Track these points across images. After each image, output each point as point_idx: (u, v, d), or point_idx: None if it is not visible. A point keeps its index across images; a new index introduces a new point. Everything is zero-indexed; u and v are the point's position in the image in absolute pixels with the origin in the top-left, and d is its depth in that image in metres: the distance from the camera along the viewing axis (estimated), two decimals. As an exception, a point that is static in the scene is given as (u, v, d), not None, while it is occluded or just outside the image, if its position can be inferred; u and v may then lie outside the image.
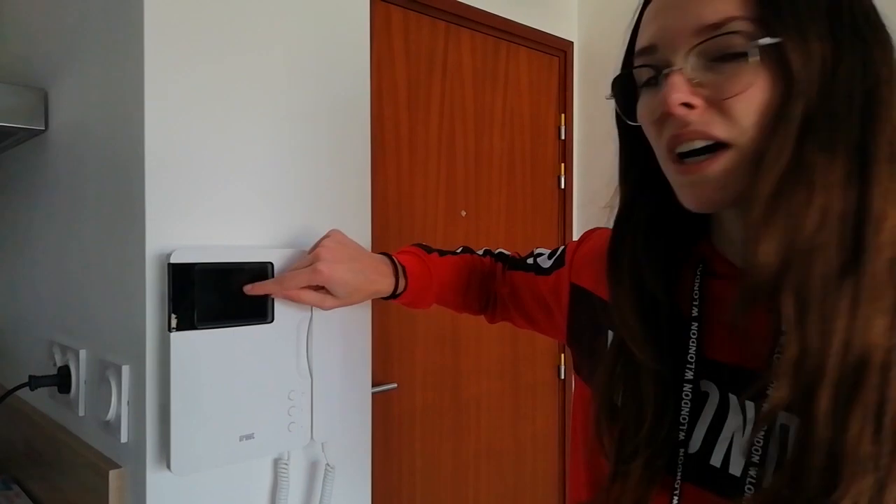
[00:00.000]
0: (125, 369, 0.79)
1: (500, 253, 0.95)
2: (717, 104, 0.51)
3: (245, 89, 0.83)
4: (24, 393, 1.01)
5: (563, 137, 2.21)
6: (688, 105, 0.51)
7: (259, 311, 0.80)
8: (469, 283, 0.92)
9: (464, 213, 1.93)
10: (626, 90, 0.59)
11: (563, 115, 2.21)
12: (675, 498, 0.56)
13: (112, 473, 0.79)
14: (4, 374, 1.23)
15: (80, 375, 0.90)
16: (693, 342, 0.59)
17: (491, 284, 0.93)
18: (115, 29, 0.82)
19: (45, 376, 0.93)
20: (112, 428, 0.80)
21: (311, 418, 0.85)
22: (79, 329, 0.94)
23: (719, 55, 0.50)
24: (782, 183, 0.48)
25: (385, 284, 0.83)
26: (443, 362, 1.84)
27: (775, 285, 0.48)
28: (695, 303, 0.60)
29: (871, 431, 0.45)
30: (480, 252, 0.96)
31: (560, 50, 2.19)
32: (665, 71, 0.53)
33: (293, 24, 0.88)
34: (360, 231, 0.95)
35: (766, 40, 0.48)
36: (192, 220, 0.78)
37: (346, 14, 0.95)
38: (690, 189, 0.54)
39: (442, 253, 0.92)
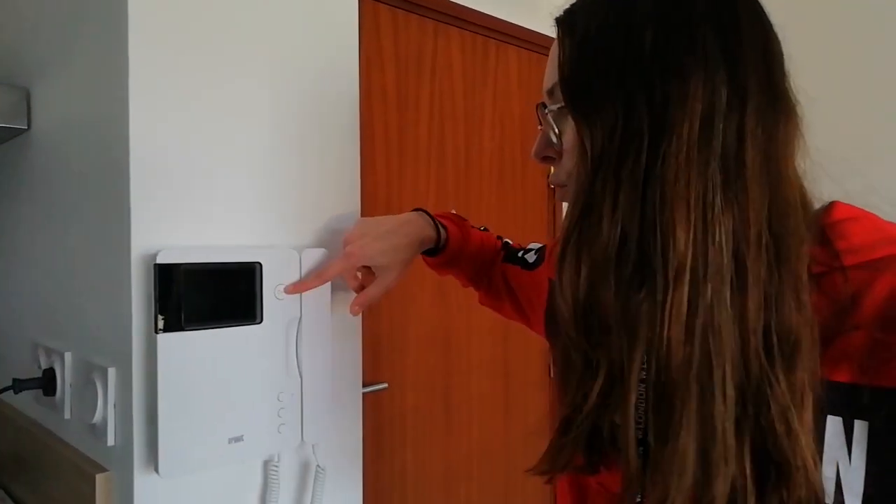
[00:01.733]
0: (111, 371, 0.78)
1: (506, 242, 0.97)
2: (561, 154, 0.60)
3: (232, 89, 0.82)
4: (9, 396, 1.00)
5: (552, 137, 2.20)
6: (546, 158, 0.62)
7: (248, 312, 0.79)
8: (484, 259, 0.94)
9: (454, 213, 1.92)
10: None
11: (552, 115, 2.20)
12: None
13: (99, 477, 0.78)
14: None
15: (66, 378, 0.89)
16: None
17: (491, 267, 0.95)
18: (99, 28, 0.81)
19: (30, 379, 0.91)
20: (98, 431, 0.79)
21: (302, 420, 0.84)
22: (64, 331, 0.93)
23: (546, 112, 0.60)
24: (580, 213, 0.54)
25: (427, 229, 0.85)
26: (434, 362, 1.83)
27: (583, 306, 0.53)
28: None
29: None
30: (496, 236, 0.98)
31: (548, 48, 2.19)
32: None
33: (281, 23, 0.87)
34: (349, 230, 0.94)
35: (556, 106, 0.58)
36: (179, 220, 0.77)
37: (336, 13, 0.94)
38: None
39: (472, 226, 0.95)
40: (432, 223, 0.86)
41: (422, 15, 1.82)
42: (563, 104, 0.56)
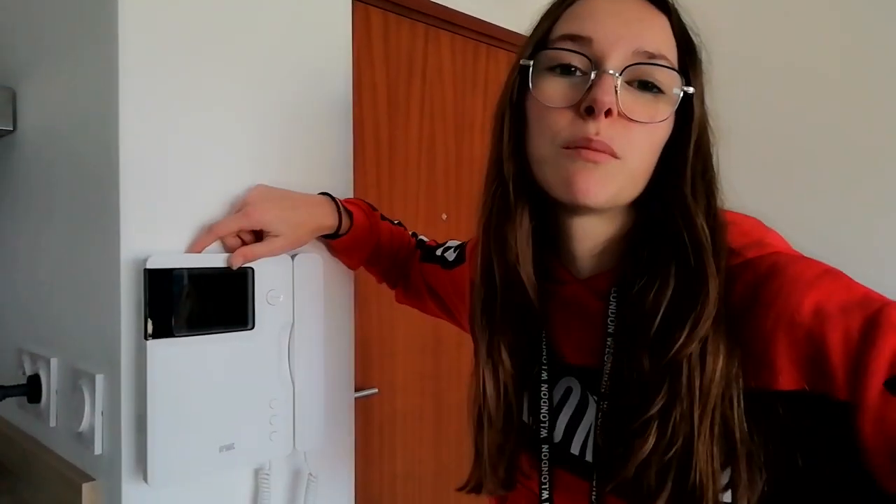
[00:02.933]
0: (99, 378, 0.76)
1: (420, 240, 0.97)
2: (626, 122, 0.55)
3: (223, 91, 0.81)
4: (-7, 403, 0.98)
5: (542, 141, 2.20)
6: (608, 112, 0.54)
7: (239, 318, 0.78)
8: (398, 255, 0.94)
9: (444, 217, 1.91)
10: (525, 70, 0.61)
11: (542, 119, 2.20)
12: (545, 483, 0.63)
13: (85, 486, 0.76)
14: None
15: (52, 385, 0.87)
16: (544, 346, 0.65)
17: (407, 264, 0.94)
18: (88, 28, 0.79)
19: (14, 386, 0.89)
20: (85, 439, 0.78)
21: (294, 427, 0.83)
22: (50, 337, 0.91)
23: (643, 82, 0.55)
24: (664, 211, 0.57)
25: (329, 218, 0.84)
26: (423, 367, 1.82)
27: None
28: (544, 308, 0.65)
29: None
30: (410, 233, 0.98)
31: (539, 53, 2.19)
32: (601, 70, 0.55)
33: (274, 24, 0.86)
34: (342, 235, 0.93)
35: (688, 89, 0.56)
36: (169, 224, 0.76)
37: (328, 15, 0.93)
38: (580, 174, 0.56)
39: (383, 217, 0.94)
40: (336, 210, 0.85)
41: (413, 19, 1.81)
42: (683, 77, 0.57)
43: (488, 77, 2.04)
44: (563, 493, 0.63)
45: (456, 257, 0.86)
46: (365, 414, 1.64)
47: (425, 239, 0.97)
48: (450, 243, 0.91)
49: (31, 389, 0.89)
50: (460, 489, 0.69)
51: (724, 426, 0.53)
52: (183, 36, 0.77)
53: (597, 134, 0.54)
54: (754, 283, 0.54)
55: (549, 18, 0.62)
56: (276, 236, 0.78)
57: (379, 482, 1.69)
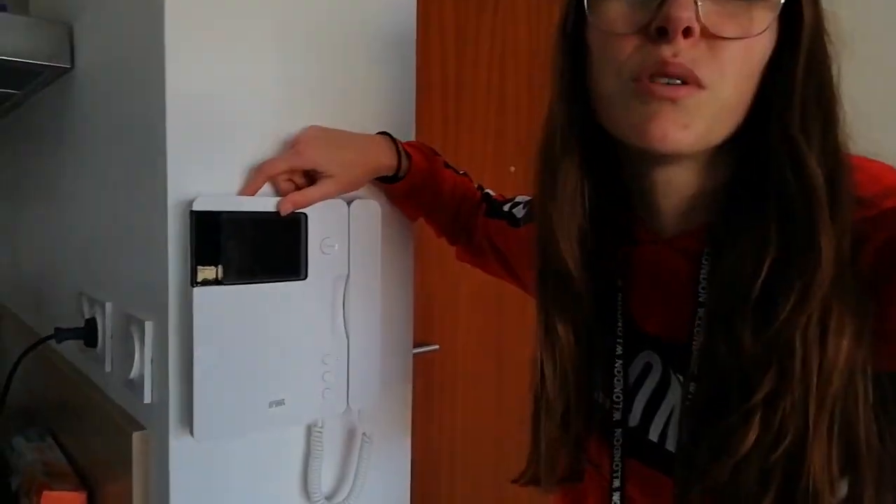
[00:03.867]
0: (148, 325, 0.73)
1: (487, 193, 0.88)
2: (712, 41, 0.45)
3: (277, 25, 0.74)
4: (57, 344, 0.98)
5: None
6: (687, 31, 0.44)
7: (291, 267, 0.73)
8: (460, 208, 0.86)
9: (513, 169, 1.81)
10: None
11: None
12: (617, 471, 0.56)
13: (135, 436, 0.74)
14: (40, 324, 1.20)
15: (107, 329, 0.85)
16: (620, 316, 0.56)
17: (471, 219, 0.86)
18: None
19: (71, 329, 0.88)
20: (136, 387, 0.75)
21: (348, 384, 0.78)
22: (106, 280, 0.89)
23: None
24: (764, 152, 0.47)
25: (386, 158, 0.76)
26: (486, 324, 1.76)
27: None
28: (619, 273, 0.57)
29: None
30: (476, 185, 0.89)
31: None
32: None
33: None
34: (402, 181, 0.86)
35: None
36: (219, 166, 0.71)
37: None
38: (656, 115, 0.46)
39: (446, 164, 0.85)
40: (395, 149, 0.77)
41: (485, -50, 1.68)
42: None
43: (565, 17, 1.89)
44: (638, 485, 0.55)
45: (525, 214, 0.78)
46: (425, 371, 1.60)
47: (492, 193, 0.88)
48: (519, 198, 0.83)
49: (88, 333, 0.88)
50: (515, 481, 0.62)
51: (846, 423, 0.43)
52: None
53: (674, 56, 0.44)
54: (892, 241, 0.43)
55: None
56: (330, 177, 0.71)
57: (438, 441, 1.65)
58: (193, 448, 0.70)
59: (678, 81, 0.45)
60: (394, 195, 0.82)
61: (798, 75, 0.46)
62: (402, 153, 0.78)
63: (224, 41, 0.70)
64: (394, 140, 0.78)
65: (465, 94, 1.69)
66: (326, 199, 0.73)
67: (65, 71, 0.99)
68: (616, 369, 0.57)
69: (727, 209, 0.50)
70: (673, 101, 0.45)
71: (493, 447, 1.79)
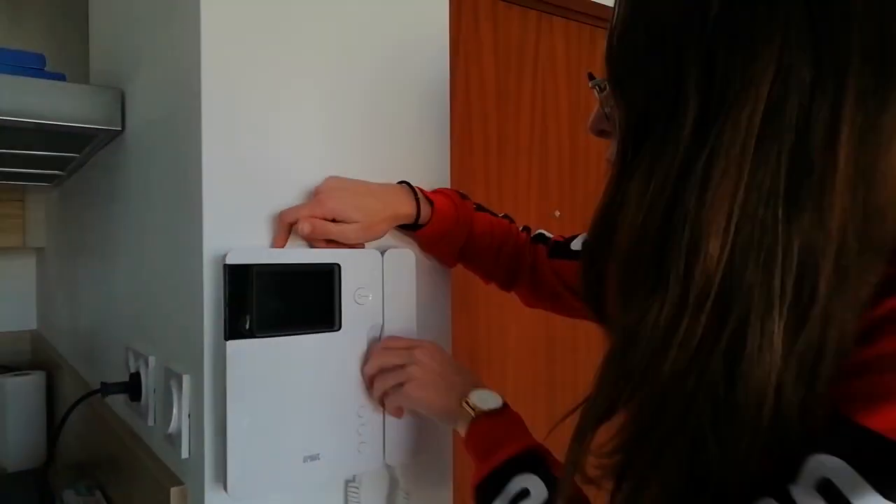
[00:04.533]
0: (186, 379, 0.73)
1: (540, 234, 0.86)
2: None
3: (308, 85, 0.76)
4: (109, 398, 1.00)
5: (667, 131, 2.03)
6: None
7: (325, 318, 0.72)
8: (501, 250, 0.84)
9: (557, 214, 1.79)
10: None
11: (667, 107, 2.02)
12: None
13: (173, 491, 0.74)
14: (93, 378, 1.24)
15: (150, 383, 0.86)
16: None
17: (518, 261, 0.85)
18: (174, 26, 0.77)
19: (116, 383, 0.90)
20: (174, 441, 0.75)
21: (384, 438, 0.76)
22: (150, 335, 0.91)
23: None
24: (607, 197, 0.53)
25: (405, 206, 0.76)
26: (535, 374, 1.71)
27: None
28: None
29: None
30: (520, 227, 0.88)
31: (663, 36, 2.02)
32: None
33: (365, 18, 0.80)
34: (438, 229, 0.85)
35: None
36: (253, 219, 0.72)
37: (425, 4, 0.86)
38: None
39: (480, 207, 0.84)
40: (413, 196, 0.77)
41: (524, 5, 1.72)
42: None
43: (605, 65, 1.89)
44: None
45: None
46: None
47: (546, 233, 0.87)
48: (578, 236, 0.82)
49: (132, 387, 0.89)
50: None
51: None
52: (266, 27, 0.73)
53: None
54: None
55: None
56: (350, 224, 0.72)
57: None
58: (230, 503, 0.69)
59: None
60: (422, 243, 0.81)
61: None
62: (422, 199, 0.78)
63: (257, 101, 0.72)
64: (412, 187, 0.78)
65: (508, 149, 1.70)
66: (346, 241, 0.73)
67: (117, 133, 1.04)
68: None
69: None
70: None
71: None
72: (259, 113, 0.72)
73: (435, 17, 0.87)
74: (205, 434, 0.69)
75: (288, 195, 0.74)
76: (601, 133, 0.56)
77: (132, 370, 0.91)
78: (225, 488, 0.66)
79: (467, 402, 0.66)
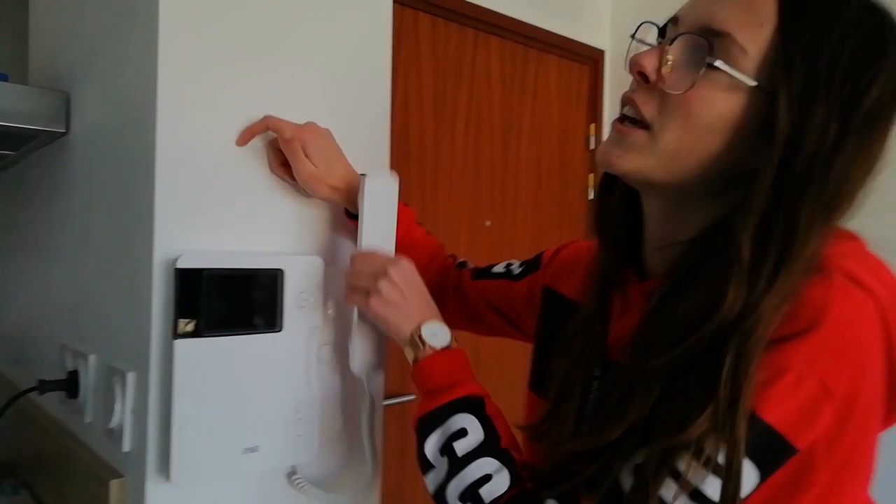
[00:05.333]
0: (130, 376, 0.77)
1: (463, 261, 0.95)
2: (664, 92, 0.54)
3: (258, 96, 0.81)
4: (36, 396, 1.00)
5: (592, 147, 2.16)
6: (644, 77, 0.55)
7: (268, 319, 0.77)
8: (431, 264, 0.91)
9: (488, 223, 1.89)
10: None
11: (592, 125, 2.16)
12: None
13: (113, 483, 0.77)
14: (20, 377, 1.23)
15: (89, 381, 0.89)
16: (599, 344, 0.65)
17: (447, 282, 0.93)
18: (130, 31, 0.80)
19: (55, 381, 0.91)
20: (115, 436, 0.78)
21: (319, 432, 0.81)
22: (90, 334, 0.93)
23: (700, 53, 0.52)
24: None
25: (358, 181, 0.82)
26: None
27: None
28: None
29: None
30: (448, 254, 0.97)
31: (591, 59, 2.15)
32: (659, 40, 0.57)
33: (311, 30, 0.85)
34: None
35: (751, 80, 0.51)
36: (202, 225, 0.76)
37: (368, 20, 0.92)
38: (607, 145, 0.58)
39: (417, 223, 0.93)
40: None
41: (461, 23, 1.80)
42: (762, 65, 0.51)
43: (537, 82, 2.01)
44: None
45: (524, 269, 0.86)
46: (401, 421, 1.62)
47: (467, 261, 0.95)
48: (511, 261, 0.90)
49: (71, 385, 0.91)
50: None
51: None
52: (219, 41, 0.77)
53: (633, 92, 0.56)
54: None
55: None
56: (312, 163, 0.77)
57: (412, 493, 1.66)
58: (171, 494, 0.73)
59: (632, 115, 0.56)
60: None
61: (764, 180, 0.50)
62: None
63: (211, 112, 0.77)
64: None
65: (443, 161, 1.78)
66: (297, 170, 0.78)
67: (61, 135, 1.05)
68: (593, 388, 0.64)
69: (677, 264, 0.57)
70: (620, 135, 0.57)
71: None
72: (210, 124, 0.77)
73: (378, 37, 0.94)
74: (149, 428, 0.73)
75: (237, 202, 0.78)
76: (641, 76, 0.56)
77: (70, 368, 0.93)
78: (168, 478, 0.70)
79: (419, 336, 0.68)
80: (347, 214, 0.85)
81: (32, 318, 1.18)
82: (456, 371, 0.67)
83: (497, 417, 0.64)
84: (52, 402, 1.02)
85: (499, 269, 0.89)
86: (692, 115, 0.53)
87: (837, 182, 0.49)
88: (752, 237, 0.49)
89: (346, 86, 0.89)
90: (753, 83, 0.51)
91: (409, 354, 0.70)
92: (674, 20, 0.57)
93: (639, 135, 0.55)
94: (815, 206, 0.49)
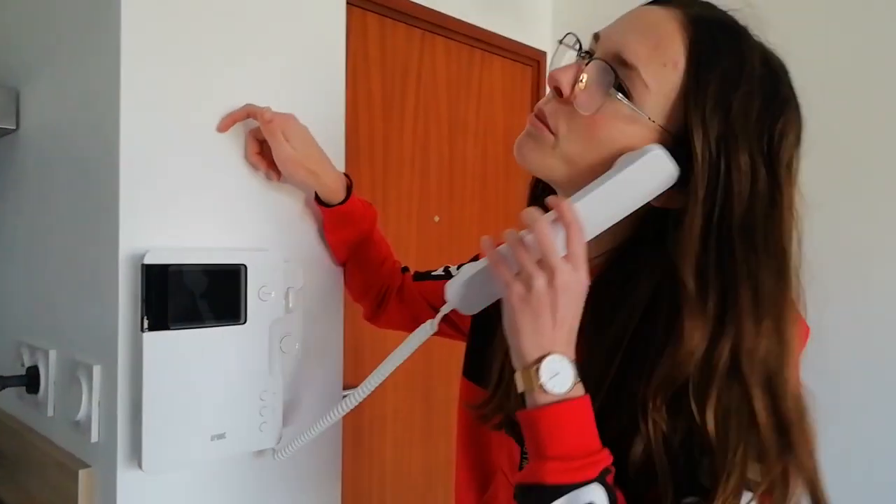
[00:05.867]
0: (96, 369, 0.79)
1: (405, 266, 1.02)
2: (573, 109, 0.59)
3: (220, 93, 0.84)
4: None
5: (535, 145, 2.24)
6: (558, 90, 0.60)
7: (232, 312, 0.81)
8: (384, 263, 0.98)
9: (437, 219, 1.95)
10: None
11: (535, 124, 2.24)
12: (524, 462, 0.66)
13: (81, 473, 0.79)
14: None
15: (50, 376, 0.90)
16: None
17: (392, 283, 0.99)
18: (89, 29, 0.82)
19: (14, 376, 0.92)
20: (82, 427, 0.81)
21: (281, 419, 0.86)
22: (48, 330, 0.94)
23: (619, 84, 0.57)
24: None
25: (333, 176, 0.88)
26: (413, 365, 1.85)
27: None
28: None
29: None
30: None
31: (533, 60, 2.23)
32: (580, 57, 0.62)
33: (269, 30, 0.89)
34: (333, 235, 0.96)
35: (657, 119, 0.57)
36: (165, 221, 0.79)
37: (322, 22, 0.96)
38: (523, 136, 0.63)
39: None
40: (347, 180, 0.91)
41: (409, 24, 1.85)
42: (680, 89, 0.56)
43: (482, 82, 2.08)
44: None
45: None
46: (355, 411, 1.67)
47: (408, 267, 1.02)
48: (449, 265, 0.97)
49: (30, 380, 0.92)
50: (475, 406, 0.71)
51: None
52: (181, 39, 0.80)
53: (545, 104, 0.61)
54: None
55: None
56: (291, 147, 0.82)
57: (368, 478, 1.72)
58: (140, 481, 0.76)
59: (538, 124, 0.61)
60: (330, 221, 0.91)
61: (693, 221, 0.54)
62: (349, 187, 0.90)
63: (174, 109, 0.80)
64: (350, 179, 0.91)
65: (392, 158, 1.83)
66: (275, 152, 0.83)
67: (10, 131, 1.05)
68: None
69: (609, 269, 0.63)
70: (533, 131, 0.62)
71: (422, 481, 1.86)
72: (173, 121, 0.80)
73: (333, 40, 0.98)
74: (118, 418, 0.76)
75: (199, 199, 0.82)
76: (556, 91, 0.60)
77: (28, 364, 0.94)
78: (140, 465, 0.73)
79: (536, 370, 0.55)
80: (318, 201, 0.90)
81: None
82: (587, 434, 0.55)
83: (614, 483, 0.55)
84: (8, 398, 1.02)
85: (438, 272, 0.96)
86: (594, 136, 0.58)
87: (776, 224, 0.55)
88: (695, 278, 0.54)
89: (304, 87, 0.93)
90: (649, 119, 0.56)
91: (519, 383, 0.57)
92: (596, 36, 0.62)
93: (546, 136, 0.61)
94: (756, 251, 0.54)
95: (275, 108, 0.87)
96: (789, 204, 0.56)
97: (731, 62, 0.55)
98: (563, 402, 0.54)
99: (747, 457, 0.51)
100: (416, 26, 1.88)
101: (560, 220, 0.55)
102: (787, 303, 0.55)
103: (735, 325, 0.53)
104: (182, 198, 0.80)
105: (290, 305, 0.87)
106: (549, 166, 0.62)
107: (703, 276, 0.54)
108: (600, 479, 0.52)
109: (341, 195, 0.89)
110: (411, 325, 0.99)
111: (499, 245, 0.59)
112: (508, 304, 0.57)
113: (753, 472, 0.52)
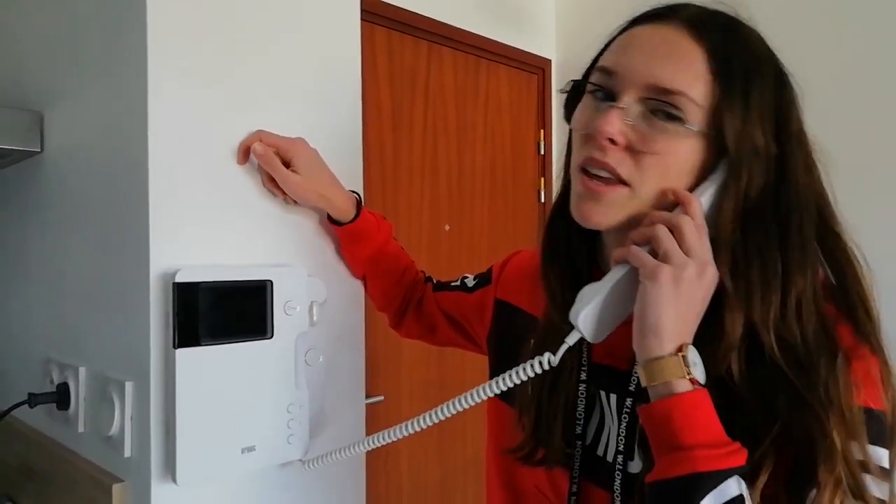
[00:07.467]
0: (129, 385, 0.81)
1: (429, 276, 1.03)
2: (635, 151, 0.58)
3: (244, 113, 0.86)
4: (19, 411, 1.02)
5: (542, 152, 2.27)
6: (612, 141, 0.58)
7: (259, 327, 0.83)
8: (404, 274, 0.99)
9: (447, 228, 1.97)
10: (576, 92, 0.66)
11: (542, 131, 2.27)
12: (575, 489, 0.67)
13: (115, 487, 0.81)
14: (-4, 393, 1.23)
15: (80, 392, 0.92)
16: (585, 349, 0.67)
17: (413, 292, 1.00)
18: (115, 52, 0.84)
19: (45, 393, 0.94)
20: (115, 443, 0.82)
21: (308, 430, 0.88)
22: (75, 347, 0.96)
23: (665, 113, 0.58)
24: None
25: (343, 197, 0.89)
26: (428, 375, 1.87)
27: None
28: None
29: None
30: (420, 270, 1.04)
31: (538, 67, 2.26)
32: (610, 103, 0.60)
33: (289, 52, 0.91)
34: (353, 248, 0.98)
35: (703, 127, 0.58)
36: (192, 240, 0.81)
37: (339, 43, 0.99)
38: (581, 200, 0.62)
39: (395, 238, 0.99)
40: (355, 199, 0.92)
41: (416, 36, 1.88)
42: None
43: (489, 92, 2.10)
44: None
45: (477, 282, 0.93)
46: (372, 420, 1.68)
47: (432, 276, 1.03)
48: (466, 275, 0.98)
49: (60, 397, 0.94)
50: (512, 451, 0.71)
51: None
52: (205, 57, 0.82)
53: (602, 156, 0.59)
54: None
55: (604, 45, 0.66)
56: (298, 174, 0.84)
57: (385, 488, 1.73)
58: (174, 494, 0.78)
59: (604, 175, 0.59)
60: (344, 238, 0.93)
61: (727, 210, 0.58)
62: (359, 203, 0.93)
63: (198, 129, 0.82)
64: (359, 197, 0.93)
65: (402, 168, 1.85)
66: (283, 183, 0.84)
67: (35, 153, 1.07)
68: (580, 391, 0.68)
69: None
70: (596, 193, 0.60)
71: (438, 491, 1.88)
72: (200, 141, 0.82)
73: (349, 59, 1.00)
74: (151, 433, 0.78)
75: (226, 217, 0.84)
76: (611, 142, 0.59)
77: (58, 381, 0.96)
78: (173, 479, 0.75)
79: (685, 357, 0.54)
80: (330, 220, 0.92)
81: (11, 334, 1.20)
82: (719, 424, 0.55)
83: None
84: (37, 415, 1.04)
85: (455, 282, 0.97)
86: (667, 166, 0.59)
87: (795, 189, 0.58)
88: (729, 265, 0.57)
89: (323, 106, 0.96)
90: (704, 129, 0.58)
91: (658, 372, 0.55)
92: (604, 70, 0.62)
93: (620, 192, 0.59)
94: (777, 218, 0.58)
95: (297, 128, 0.89)
96: (807, 168, 0.60)
97: (743, 55, 0.59)
98: (700, 390, 0.54)
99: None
100: (422, 38, 1.90)
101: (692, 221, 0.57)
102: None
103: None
104: (207, 217, 0.82)
105: (315, 319, 0.89)
106: (628, 216, 0.61)
107: (737, 270, 0.57)
108: (743, 475, 0.52)
109: (351, 213, 0.91)
110: (428, 336, 1.01)
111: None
112: (657, 287, 0.55)
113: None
